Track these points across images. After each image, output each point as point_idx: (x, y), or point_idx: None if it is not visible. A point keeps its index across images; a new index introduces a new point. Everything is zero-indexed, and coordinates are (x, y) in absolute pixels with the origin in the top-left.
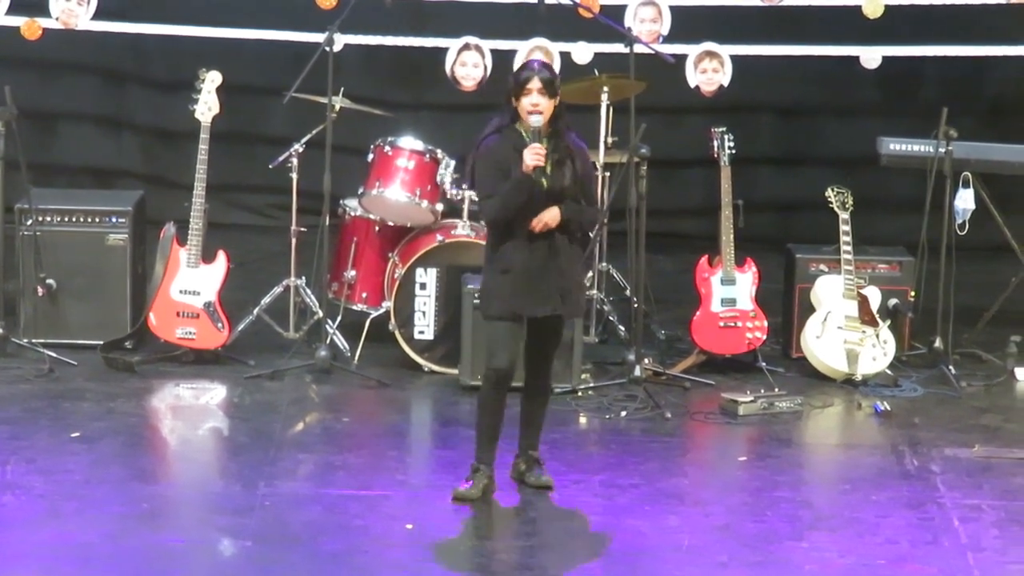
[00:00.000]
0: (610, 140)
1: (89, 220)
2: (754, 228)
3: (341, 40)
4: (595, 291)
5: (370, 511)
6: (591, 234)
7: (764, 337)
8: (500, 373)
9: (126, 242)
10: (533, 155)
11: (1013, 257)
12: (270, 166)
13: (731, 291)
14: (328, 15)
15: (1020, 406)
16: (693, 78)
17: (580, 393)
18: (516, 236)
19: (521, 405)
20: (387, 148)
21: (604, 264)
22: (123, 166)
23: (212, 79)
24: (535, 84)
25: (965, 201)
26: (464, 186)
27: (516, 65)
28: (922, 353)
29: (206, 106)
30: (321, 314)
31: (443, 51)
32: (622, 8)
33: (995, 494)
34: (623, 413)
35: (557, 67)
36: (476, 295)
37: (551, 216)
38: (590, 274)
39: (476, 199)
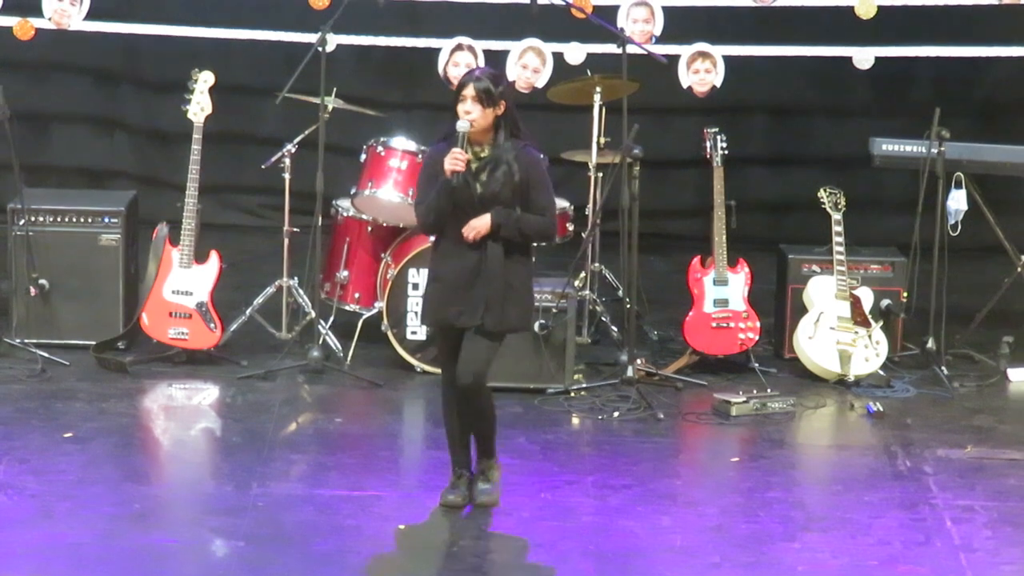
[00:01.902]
0: (603, 141)
1: (82, 220)
2: (747, 229)
3: (334, 40)
4: (587, 292)
5: (362, 511)
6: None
7: (756, 338)
8: (446, 380)
9: (119, 242)
10: (451, 160)
11: (1005, 258)
12: (263, 166)
13: (723, 292)
14: (321, 15)
15: (1013, 407)
16: (686, 78)
17: (573, 394)
18: (447, 243)
19: (455, 421)
20: (380, 148)
21: (597, 265)
22: (116, 166)
23: (205, 79)
24: (469, 91)
25: (958, 202)
26: None
27: (508, 66)
28: (914, 354)
29: (199, 106)
30: (314, 314)
31: (436, 51)
32: (615, 8)
33: (988, 495)
34: (616, 414)
35: (549, 67)
36: None
37: (481, 223)
38: (582, 274)
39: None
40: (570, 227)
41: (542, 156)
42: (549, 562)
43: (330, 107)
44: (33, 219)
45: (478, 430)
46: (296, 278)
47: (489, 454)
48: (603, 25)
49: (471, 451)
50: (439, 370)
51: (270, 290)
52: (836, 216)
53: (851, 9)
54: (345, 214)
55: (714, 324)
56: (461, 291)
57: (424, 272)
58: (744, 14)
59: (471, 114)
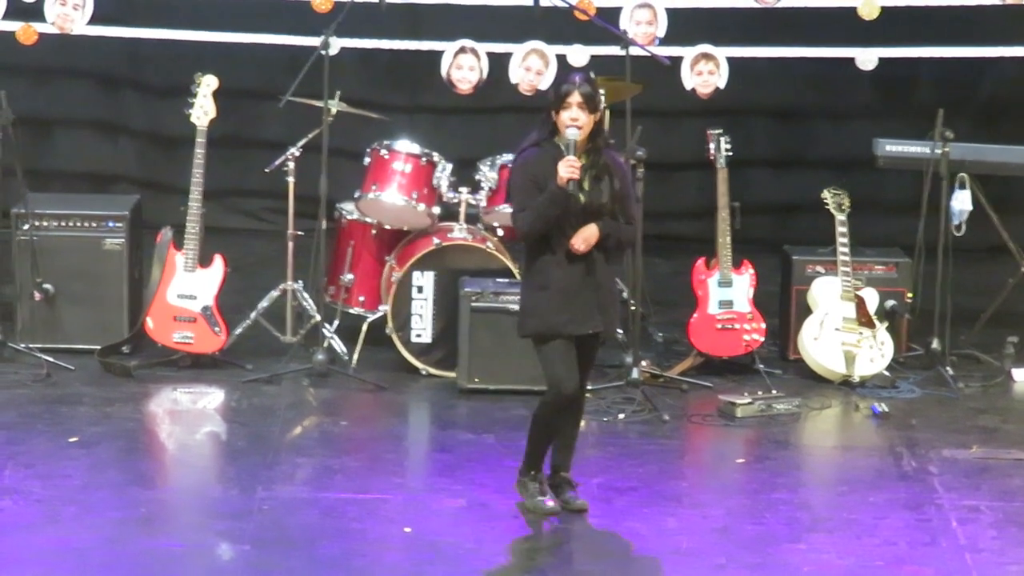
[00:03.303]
0: None
1: (86, 225)
2: (751, 230)
3: (337, 44)
4: None
5: (368, 515)
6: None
7: (761, 339)
8: (567, 398)
9: (123, 247)
10: (567, 167)
11: (1010, 258)
12: (266, 170)
13: (728, 293)
14: (323, 19)
15: (1017, 407)
16: (689, 80)
17: None
18: (554, 252)
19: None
20: (383, 151)
21: None
22: (119, 171)
23: (208, 83)
24: (575, 98)
25: (962, 202)
26: (462, 190)
27: (512, 68)
28: (919, 354)
29: (202, 110)
30: (318, 318)
31: (439, 54)
32: (617, 10)
33: (993, 495)
34: (621, 416)
35: (553, 70)
36: (473, 298)
37: (590, 233)
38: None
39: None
40: None
41: None
42: (556, 564)
43: (333, 110)
44: (37, 224)
45: (575, 434)
46: (300, 281)
47: (570, 465)
48: (606, 27)
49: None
50: (445, 373)
51: (274, 294)
52: (840, 217)
53: (854, 10)
54: (349, 217)
55: (719, 326)
56: (571, 299)
57: (428, 275)
58: (747, 15)
59: (579, 121)
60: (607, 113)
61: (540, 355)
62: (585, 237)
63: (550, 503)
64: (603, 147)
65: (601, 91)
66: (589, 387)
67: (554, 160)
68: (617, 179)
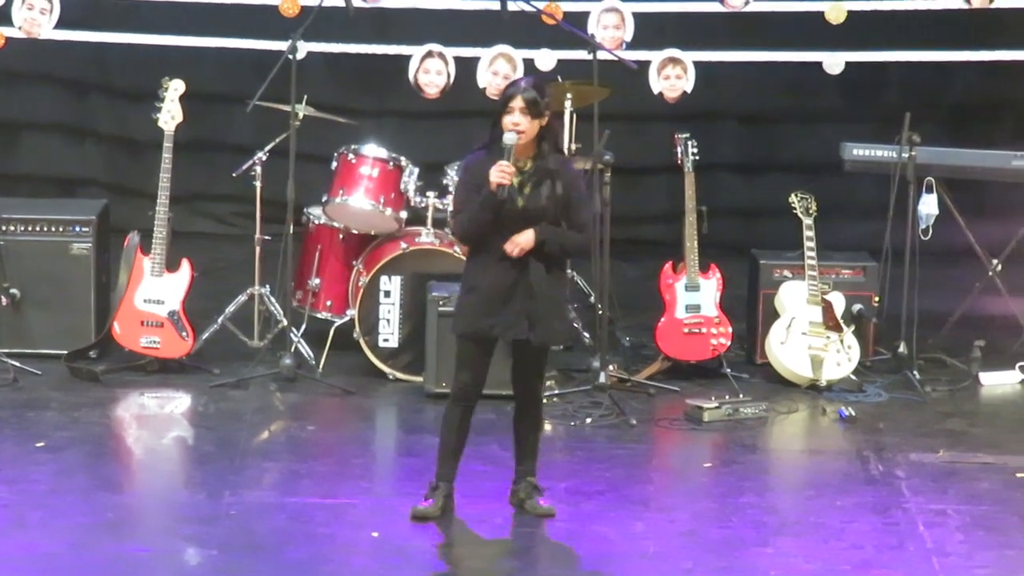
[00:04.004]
0: (574, 147)
1: (53, 229)
2: (718, 234)
3: (304, 48)
4: None
5: (335, 519)
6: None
7: (728, 343)
8: (461, 391)
9: (90, 251)
10: (498, 172)
11: (977, 262)
12: (233, 175)
13: (695, 297)
14: (291, 23)
15: (984, 411)
16: (656, 84)
17: (545, 400)
18: (487, 255)
19: (512, 430)
20: (351, 156)
21: (569, 271)
22: (87, 175)
23: (175, 87)
24: (518, 103)
25: (928, 206)
26: (429, 194)
27: (479, 72)
28: (886, 358)
29: (169, 115)
30: (285, 322)
31: (406, 58)
32: (585, 15)
33: (960, 499)
34: (588, 420)
35: (520, 74)
36: (441, 303)
37: (525, 239)
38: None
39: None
40: None
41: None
42: (523, 568)
43: (301, 115)
44: (4, 228)
45: (535, 441)
46: (268, 286)
47: (535, 470)
48: (573, 31)
49: (459, 465)
50: (412, 377)
51: (242, 298)
52: (807, 221)
53: (821, 14)
54: (317, 222)
55: (686, 330)
56: (498, 304)
57: (396, 279)
58: (715, 20)
59: (519, 126)
60: (573, 117)
61: (457, 348)
62: (519, 242)
63: (420, 505)
64: (549, 153)
65: (546, 99)
66: (557, 391)
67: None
68: (562, 185)
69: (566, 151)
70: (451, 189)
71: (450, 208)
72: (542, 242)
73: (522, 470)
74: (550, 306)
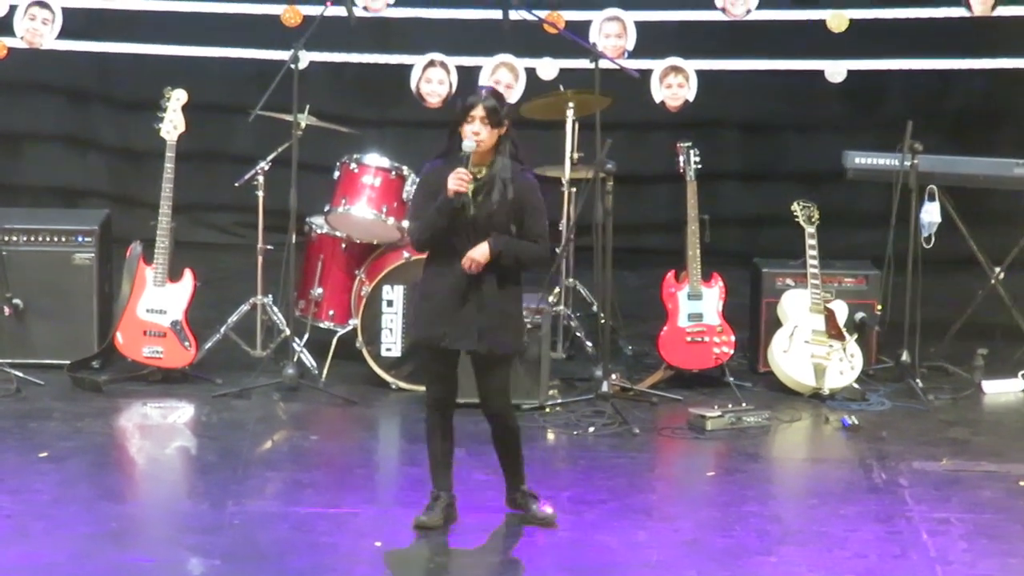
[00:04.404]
0: (576, 156)
1: (55, 239)
2: (720, 243)
3: (306, 58)
4: (562, 307)
5: (338, 528)
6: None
7: (731, 352)
8: (433, 402)
9: (92, 261)
10: (456, 179)
11: (979, 270)
12: (236, 184)
13: (698, 306)
14: (293, 33)
15: (987, 419)
16: (658, 93)
17: (548, 409)
18: (441, 264)
19: (493, 446)
20: (353, 165)
21: (571, 280)
22: (89, 185)
23: (177, 97)
24: (478, 112)
25: (931, 214)
26: None
27: (481, 81)
28: (889, 367)
29: (172, 124)
30: (288, 332)
31: (408, 68)
32: (587, 24)
33: (963, 507)
34: (591, 429)
35: (522, 83)
36: None
37: (480, 253)
38: (556, 290)
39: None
40: None
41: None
42: None
43: (303, 124)
44: (6, 238)
45: (512, 454)
46: (270, 296)
47: (524, 480)
48: (575, 40)
49: (452, 473)
50: (415, 387)
51: (244, 308)
52: (810, 229)
53: (823, 23)
54: (319, 231)
55: (688, 339)
56: (449, 313)
57: (399, 289)
58: (716, 28)
59: (479, 135)
60: (576, 126)
61: (421, 360)
62: (474, 257)
63: (422, 515)
64: (505, 161)
65: (506, 108)
66: (559, 400)
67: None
68: (513, 193)
69: (570, 158)
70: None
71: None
72: (498, 254)
73: (512, 482)
74: (500, 317)
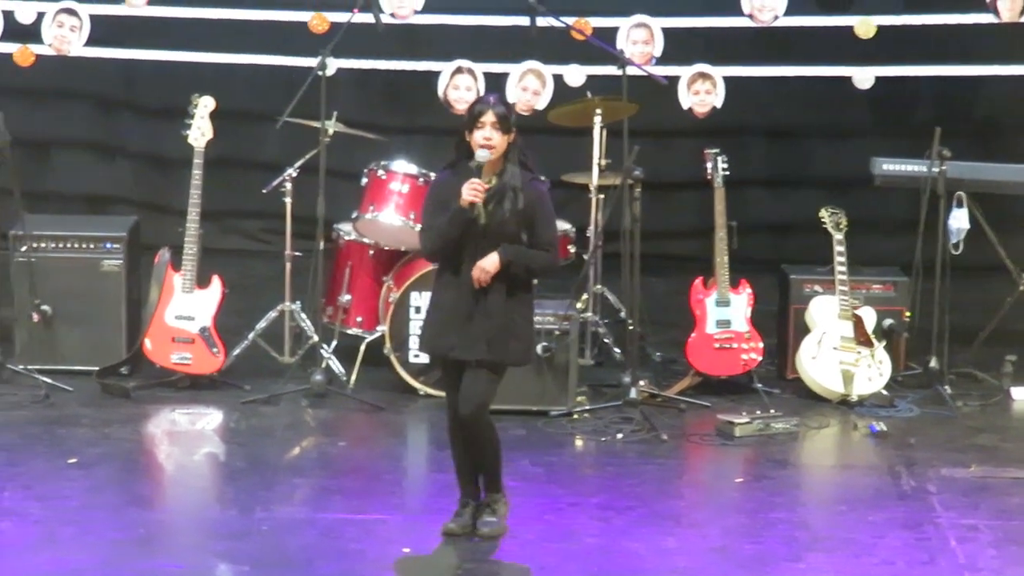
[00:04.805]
0: (603, 162)
1: (83, 246)
2: (748, 249)
3: (334, 65)
4: (590, 313)
5: (366, 535)
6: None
7: (759, 358)
8: (450, 415)
9: (121, 268)
10: (470, 190)
11: (1008, 276)
12: (264, 191)
13: (726, 312)
14: (320, 40)
15: (1016, 425)
16: (686, 100)
17: (576, 416)
18: (451, 274)
19: (462, 450)
20: (381, 172)
21: (599, 287)
22: (117, 192)
23: (205, 104)
24: (489, 118)
25: (959, 221)
26: None
27: (508, 88)
28: (918, 373)
29: (199, 131)
30: (316, 338)
31: (436, 75)
32: (614, 30)
33: (992, 514)
34: (619, 435)
35: (550, 90)
36: None
37: (490, 263)
38: (584, 296)
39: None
40: (572, 249)
41: (547, 187)
42: None
43: (331, 131)
44: (35, 245)
45: (482, 462)
46: (298, 302)
47: (495, 488)
48: (603, 47)
49: (477, 481)
50: (443, 393)
51: (272, 314)
52: (838, 236)
53: (851, 29)
54: (347, 238)
55: (717, 345)
56: (458, 323)
57: (426, 295)
58: (744, 35)
59: (491, 141)
60: (603, 133)
61: (440, 370)
62: (485, 268)
63: (450, 521)
64: (514, 169)
65: (513, 114)
66: (587, 406)
67: (464, 182)
68: (525, 202)
69: (597, 165)
70: None
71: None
72: (507, 263)
73: (485, 490)
74: (510, 326)
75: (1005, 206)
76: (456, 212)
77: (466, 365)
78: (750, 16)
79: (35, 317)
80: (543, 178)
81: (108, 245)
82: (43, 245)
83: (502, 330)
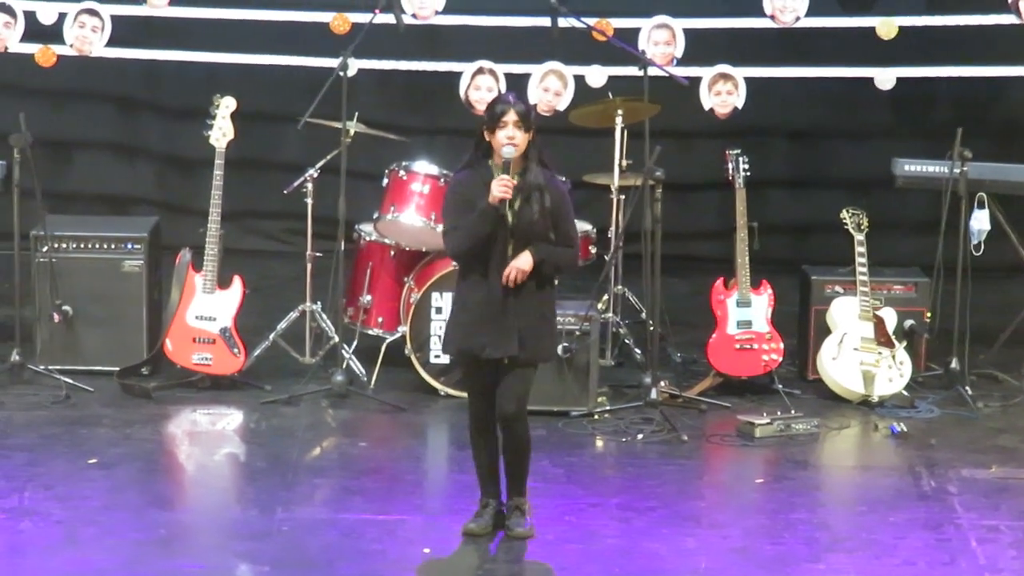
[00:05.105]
0: (625, 163)
1: (105, 247)
2: (769, 250)
3: (355, 65)
4: (611, 314)
5: (387, 535)
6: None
7: (780, 359)
8: (474, 412)
9: (142, 268)
10: (500, 187)
11: None
12: (285, 191)
13: (747, 313)
14: (342, 40)
15: None
16: (707, 100)
17: (597, 416)
18: (478, 274)
19: (501, 455)
20: (402, 173)
21: (620, 287)
22: (138, 193)
23: (227, 105)
24: (511, 117)
25: (980, 222)
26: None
27: (530, 89)
28: (938, 374)
29: (220, 132)
30: (337, 339)
31: (457, 75)
32: (636, 31)
33: (1013, 515)
34: (640, 436)
35: (571, 91)
36: None
37: (525, 263)
38: (605, 297)
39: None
40: (593, 250)
41: (569, 187)
42: None
43: (352, 132)
44: (56, 246)
45: (516, 463)
46: (319, 303)
47: (522, 490)
48: (624, 48)
49: (500, 481)
50: (463, 394)
51: (293, 315)
52: (859, 237)
53: (872, 30)
54: (368, 238)
55: (737, 346)
56: (488, 322)
57: (447, 296)
58: (765, 36)
59: (515, 139)
60: (625, 133)
61: (461, 371)
62: (520, 267)
63: (471, 522)
64: (536, 167)
65: (533, 112)
66: (608, 407)
67: (485, 181)
68: (549, 199)
69: (619, 165)
70: None
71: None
72: (539, 262)
73: (508, 491)
74: (540, 323)
75: None
76: (486, 209)
77: (498, 365)
78: (772, 17)
79: (56, 317)
80: (563, 178)
81: (129, 246)
82: (64, 246)
83: (534, 327)
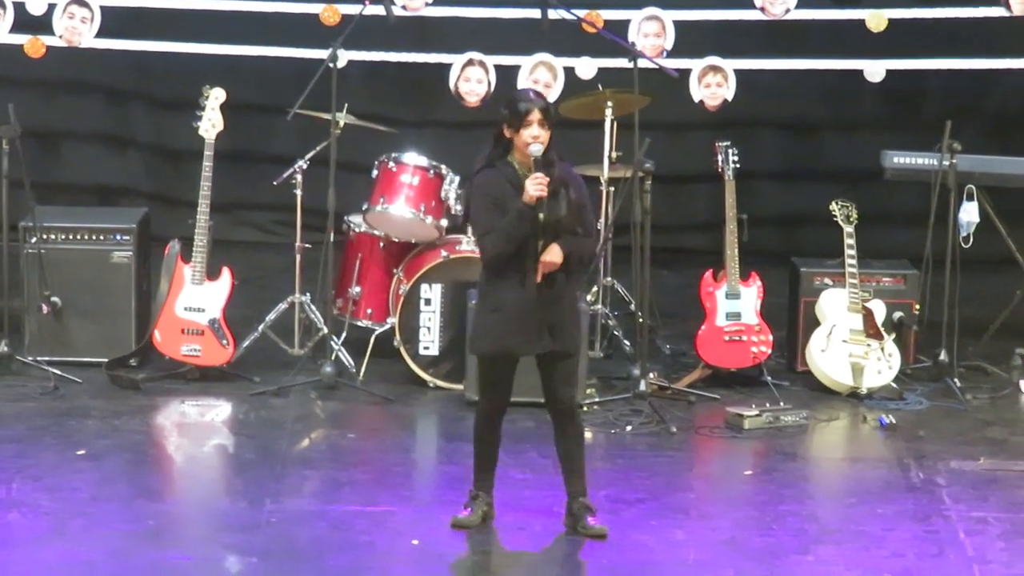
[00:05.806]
0: (614, 155)
1: (93, 238)
2: (758, 242)
3: (345, 56)
4: (600, 306)
5: (376, 527)
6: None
7: (769, 351)
8: (493, 408)
9: (130, 260)
10: (536, 184)
11: (1018, 269)
12: (274, 183)
13: (736, 305)
14: (331, 32)
15: None
16: (697, 92)
17: (586, 408)
18: (508, 273)
19: (556, 448)
20: (391, 164)
21: (609, 279)
22: (127, 184)
23: (216, 96)
24: (535, 115)
25: (969, 214)
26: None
27: (520, 81)
28: (927, 366)
29: (210, 123)
30: (326, 330)
31: (447, 67)
32: (626, 23)
33: (1001, 507)
34: (628, 428)
35: (561, 82)
36: None
37: (557, 255)
38: (594, 289)
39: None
40: None
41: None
42: None
43: (341, 123)
44: (45, 237)
45: (580, 456)
46: (308, 294)
47: (585, 489)
48: (614, 39)
49: (495, 475)
50: (452, 385)
51: (282, 306)
52: (848, 229)
53: (862, 22)
54: (357, 230)
55: (726, 338)
56: (524, 320)
57: (436, 288)
58: (755, 28)
59: (540, 137)
60: (615, 125)
61: (482, 367)
62: (552, 260)
63: (461, 514)
64: (556, 161)
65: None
66: (597, 399)
67: (510, 179)
68: (573, 191)
69: (608, 157)
70: (458, 207)
71: (470, 230)
72: (568, 255)
73: (573, 491)
74: (570, 314)
75: (1015, 199)
76: (524, 210)
77: (539, 360)
78: (762, 9)
79: (45, 309)
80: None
81: (118, 237)
82: (53, 236)
83: (564, 319)
